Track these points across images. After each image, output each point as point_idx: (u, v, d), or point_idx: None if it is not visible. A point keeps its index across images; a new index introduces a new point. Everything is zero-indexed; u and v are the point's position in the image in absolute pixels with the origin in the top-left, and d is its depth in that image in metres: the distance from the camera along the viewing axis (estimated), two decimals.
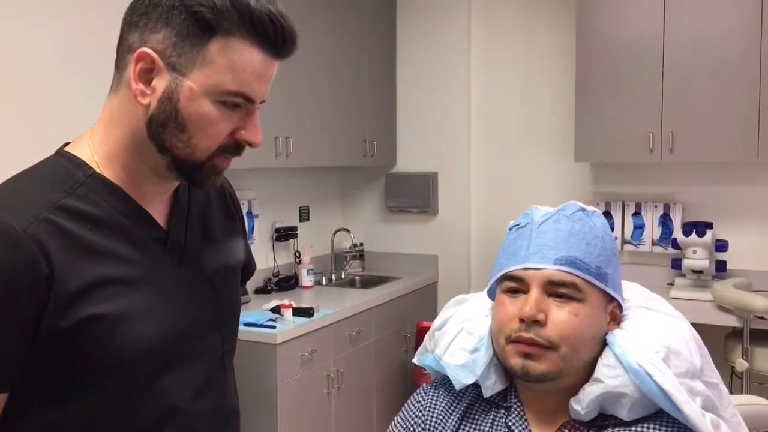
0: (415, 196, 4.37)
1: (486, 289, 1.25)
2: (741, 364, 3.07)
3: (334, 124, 3.82)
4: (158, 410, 1.03)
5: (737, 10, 3.35)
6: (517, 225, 1.17)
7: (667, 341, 1.08)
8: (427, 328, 1.36)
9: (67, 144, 1.06)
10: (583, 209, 1.16)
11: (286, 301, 3.19)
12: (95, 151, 1.02)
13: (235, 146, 1.03)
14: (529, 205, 1.23)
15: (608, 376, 1.07)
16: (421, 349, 1.32)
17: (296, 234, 4.03)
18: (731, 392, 3.05)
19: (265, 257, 3.88)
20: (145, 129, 0.98)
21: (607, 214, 3.91)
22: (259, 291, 3.71)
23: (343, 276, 4.27)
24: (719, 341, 3.29)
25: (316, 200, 4.35)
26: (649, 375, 1.04)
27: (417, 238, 4.44)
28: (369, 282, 4.14)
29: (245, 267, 1.31)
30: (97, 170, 1.01)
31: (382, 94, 4.31)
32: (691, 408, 1.03)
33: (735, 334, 3.27)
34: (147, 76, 0.97)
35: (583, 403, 1.08)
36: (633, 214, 3.88)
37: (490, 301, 1.24)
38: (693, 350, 1.10)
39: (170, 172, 1.02)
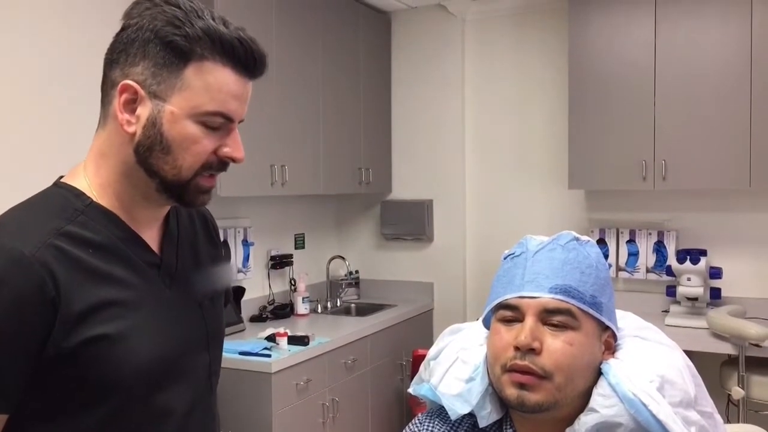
0: (410, 223, 4.38)
1: (481, 318, 1.26)
2: (737, 392, 3.06)
3: (330, 152, 3.84)
4: (153, 426, 1.09)
5: (727, 40, 3.40)
6: (512, 254, 1.18)
7: (661, 370, 1.09)
8: (423, 356, 1.36)
9: (61, 177, 1.12)
10: (577, 239, 1.17)
11: (281, 329, 3.18)
12: (91, 183, 1.09)
13: (219, 163, 1.09)
14: (523, 232, 1.24)
15: (603, 405, 1.07)
16: (417, 379, 1.32)
17: (291, 262, 4.03)
18: (728, 421, 3.05)
19: (261, 285, 3.87)
20: (134, 155, 1.05)
21: (602, 242, 3.92)
22: (254, 319, 3.70)
23: (338, 304, 4.26)
24: (715, 369, 3.28)
25: (312, 228, 4.35)
26: (644, 404, 1.04)
27: (412, 265, 4.44)
28: (364, 310, 4.13)
29: (226, 292, 1.37)
30: (95, 199, 1.08)
31: (377, 122, 4.34)
32: None
33: (731, 361, 3.26)
34: (131, 106, 1.04)
35: None
36: (627, 242, 3.89)
37: (485, 330, 1.24)
38: (687, 379, 1.11)
39: (160, 195, 1.08)
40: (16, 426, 1.01)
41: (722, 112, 3.42)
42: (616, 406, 1.06)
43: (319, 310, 4.07)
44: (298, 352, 3.06)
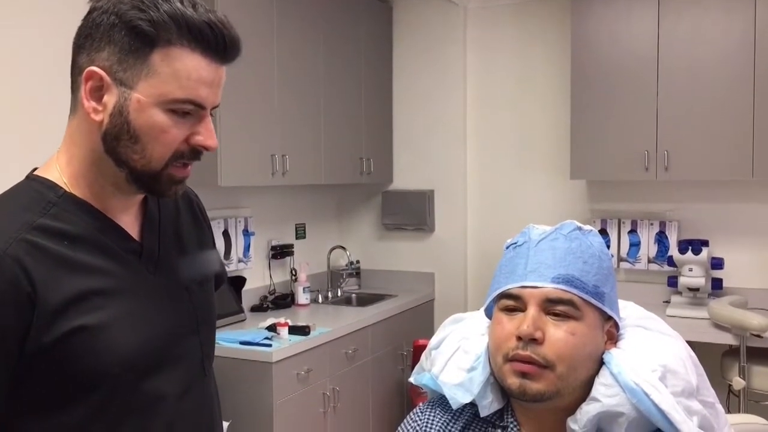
0: (411, 213, 4.37)
1: (483, 308, 1.25)
2: (738, 383, 3.06)
3: (331, 142, 3.83)
4: (143, 414, 1.07)
5: (730, 30, 3.38)
6: (515, 243, 1.18)
7: (663, 360, 1.08)
8: (423, 346, 1.36)
9: (35, 169, 1.10)
10: (579, 228, 1.16)
11: (282, 319, 3.18)
12: (63, 173, 1.06)
13: (191, 152, 1.05)
14: (525, 222, 1.23)
15: (605, 395, 1.07)
16: (418, 368, 1.32)
17: (292, 252, 4.03)
18: (728, 411, 3.05)
19: (262, 275, 3.87)
20: (102, 144, 1.02)
21: (603, 232, 3.92)
22: (255, 309, 3.70)
23: (339, 294, 4.26)
24: (716, 359, 3.29)
25: (313, 218, 4.35)
26: (646, 394, 1.04)
27: (413, 255, 4.44)
28: (365, 300, 4.13)
29: (218, 276, 1.34)
30: (68, 190, 1.05)
31: (379, 112, 4.33)
32: (688, 427, 1.03)
33: (732, 352, 3.27)
34: (97, 93, 1.01)
35: (580, 423, 1.07)
36: (629, 232, 3.89)
37: (486, 319, 1.24)
38: (689, 369, 1.10)
39: (130, 185, 1.05)
40: (4, 423, 1.00)
41: (725, 103, 3.41)
42: (618, 395, 1.06)
43: (320, 300, 4.07)
44: (299, 342, 3.06)
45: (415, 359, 3.80)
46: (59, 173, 1.06)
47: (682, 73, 3.48)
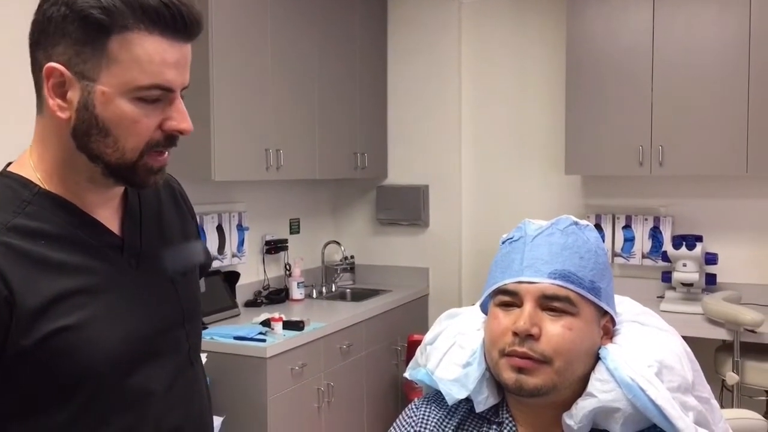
0: (406, 208, 4.37)
1: (479, 303, 1.25)
2: (731, 378, 3.07)
3: (325, 137, 3.82)
4: (129, 410, 1.05)
5: (726, 25, 3.38)
6: (511, 238, 1.17)
7: (659, 356, 1.08)
8: (418, 341, 1.36)
9: (9, 164, 1.07)
10: (576, 223, 1.16)
11: (276, 314, 3.18)
12: (36, 169, 1.03)
13: (166, 138, 1.02)
14: (520, 217, 1.23)
15: (601, 390, 1.06)
16: (413, 363, 1.31)
17: (287, 247, 4.02)
18: (722, 406, 3.05)
19: (256, 270, 3.86)
20: (72, 141, 0.99)
21: (598, 227, 3.92)
22: (249, 304, 3.69)
23: (333, 289, 4.25)
24: (709, 354, 3.29)
25: (307, 213, 4.34)
26: (642, 389, 1.03)
27: (408, 250, 4.44)
28: (360, 295, 4.12)
29: (202, 265, 1.33)
30: (42, 186, 1.02)
31: (373, 107, 4.32)
32: (684, 423, 1.03)
33: (725, 347, 3.27)
34: (60, 90, 0.97)
35: (576, 418, 1.07)
36: (623, 227, 3.89)
37: (482, 315, 1.24)
38: (685, 365, 1.10)
39: (106, 179, 1.02)
40: None
41: (719, 98, 3.41)
42: (614, 391, 1.06)
43: (314, 295, 4.06)
44: (293, 337, 3.05)
45: (410, 354, 3.80)
46: (33, 170, 1.03)
47: (677, 68, 3.48)
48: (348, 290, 4.29)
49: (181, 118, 1.01)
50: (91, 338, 0.99)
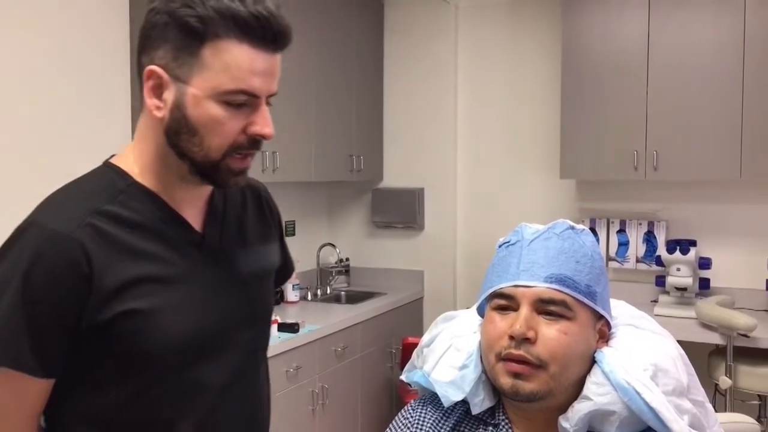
0: (401, 211, 4.37)
1: (475, 306, 1.25)
2: (725, 382, 3.08)
3: (321, 139, 3.82)
4: (189, 397, 1.12)
5: (720, 30, 3.40)
6: (507, 242, 1.18)
7: (655, 359, 1.09)
8: (412, 344, 1.37)
9: (112, 156, 1.17)
10: (572, 227, 1.16)
11: None
12: (135, 163, 1.13)
13: (249, 142, 1.09)
14: (515, 221, 1.23)
15: (597, 393, 1.07)
16: (409, 366, 1.32)
17: None
18: (715, 410, 3.06)
19: None
20: (165, 139, 1.08)
21: (593, 231, 3.92)
22: None
23: (328, 291, 4.25)
24: (703, 359, 3.31)
25: (302, 215, 4.34)
26: (637, 393, 1.04)
27: (403, 253, 4.44)
28: (355, 297, 4.13)
29: (282, 269, 1.39)
30: (137, 179, 1.11)
31: (369, 110, 4.32)
32: (679, 426, 1.03)
33: (718, 351, 3.28)
34: (158, 90, 1.06)
35: (572, 421, 1.08)
36: (618, 231, 3.91)
37: (478, 317, 1.24)
38: (680, 368, 1.11)
39: (193, 177, 1.10)
40: (62, 392, 1.07)
41: (714, 103, 3.43)
42: (609, 394, 1.06)
43: (309, 298, 4.06)
44: (288, 339, 3.05)
45: (404, 357, 3.80)
46: (132, 163, 1.13)
47: (672, 73, 3.50)
48: (343, 293, 4.29)
49: (264, 123, 1.10)
50: (158, 325, 1.07)
